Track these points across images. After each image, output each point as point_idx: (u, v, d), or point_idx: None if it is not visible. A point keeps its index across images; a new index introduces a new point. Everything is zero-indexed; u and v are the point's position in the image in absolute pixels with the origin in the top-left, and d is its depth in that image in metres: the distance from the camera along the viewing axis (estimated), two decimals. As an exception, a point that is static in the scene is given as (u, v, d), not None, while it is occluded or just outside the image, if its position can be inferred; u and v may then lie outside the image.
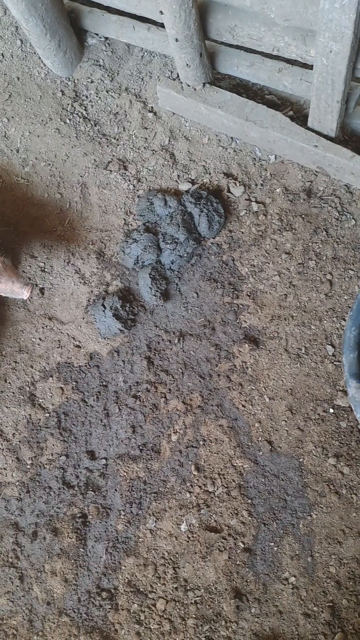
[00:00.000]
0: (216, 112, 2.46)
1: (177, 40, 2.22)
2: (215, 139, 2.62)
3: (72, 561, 2.36)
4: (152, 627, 2.25)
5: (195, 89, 2.49)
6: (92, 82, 2.79)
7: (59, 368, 2.57)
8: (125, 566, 2.33)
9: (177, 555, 2.30)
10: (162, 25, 2.46)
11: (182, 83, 2.52)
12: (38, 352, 2.60)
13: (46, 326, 2.62)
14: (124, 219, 2.62)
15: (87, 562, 2.36)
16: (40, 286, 2.66)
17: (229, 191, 2.57)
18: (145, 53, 2.75)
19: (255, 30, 2.20)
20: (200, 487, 2.34)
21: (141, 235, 2.50)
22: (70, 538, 2.38)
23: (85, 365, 2.56)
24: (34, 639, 2.31)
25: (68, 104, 2.77)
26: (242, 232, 2.52)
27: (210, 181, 2.60)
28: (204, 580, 2.26)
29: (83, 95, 2.78)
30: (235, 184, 2.56)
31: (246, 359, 2.40)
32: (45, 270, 2.67)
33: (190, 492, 2.34)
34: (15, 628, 2.34)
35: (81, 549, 2.37)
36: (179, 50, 2.29)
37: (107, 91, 2.76)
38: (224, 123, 2.50)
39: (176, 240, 2.47)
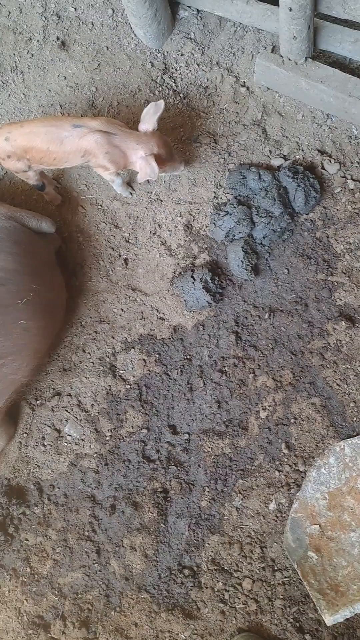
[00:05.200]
0: (317, 87, 2.46)
1: (290, 9, 2.22)
2: (309, 116, 2.61)
3: (153, 536, 2.33)
4: (237, 606, 2.21)
5: (296, 63, 2.49)
6: (182, 55, 2.79)
7: (141, 340, 2.55)
8: (209, 544, 2.29)
9: (264, 535, 2.27)
10: (261, -1, 2.48)
11: (282, 57, 2.52)
12: (120, 323, 2.58)
13: (129, 297, 2.59)
14: (214, 192, 2.61)
15: (168, 538, 2.32)
16: (124, 257, 2.63)
17: (322, 168, 2.57)
18: (238, 28, 2.75)
19: (369, 5, 2.19)
20: (290, 465, 2.30)
21: (234, 208, 2.48)
22: (151, 513, 2.34)
23: (169, 338, 2.53)
24: (112, 614, 2.27)
25: (157, 76, 2.77)
26: (337, 210, 2.51)
27: (303, 157, 2.59)
28: (292, 561, 2.22)
29: (172, 68, 2.78)
30: (330, 161, 2.56)
31: (341, 337, 2.38)
32: (130, 241, 2.65)
33: (279, 471, 2.31)
34: (90, 603, 2.30)
35: (162, 525, 2.34)
36: (290, 21, 2.29)
37: (198, 64, 2.76)
38: (323, 99, 2.50)
39: (271, 214, 2.45)
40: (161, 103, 2.26)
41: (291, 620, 2.17)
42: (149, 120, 2.28)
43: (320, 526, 2.20)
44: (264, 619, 2.18)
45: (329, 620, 2.05)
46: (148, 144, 2.25)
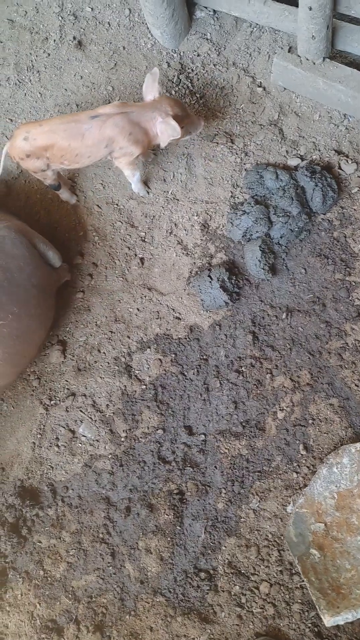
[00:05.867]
0: (335, 87, 2.45)
1: (310, 8, 2.22)
2: (326, 116, 2.61)
3: (168, 539, 2.29)
4: (254, 610, 2.17)
5: (314, 63, 2.49)
6: (198, 55, 2.79)
7: (157, 339, 2.53)
8: (225, 546, 2.26)
9: (281, 538, 2.24)
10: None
11: (300, 57, 2.51)
12: (135, 323, 2.56)
13: (145, 297, 2.58)
14: (231, 192, 2.60)
15: (184, 540, 2.29)
16: (140, 256, 2.62)
17: (339, 168, 2.56)
18: (255, 28, 2.75)
19: (388, 4, 2.19)
20: (308, 467, 2.28)
21: (252, 207, 2.47)
22: (166, 515, 2.31)
23: (185, 338, 2.51)
24: (126, 618, 2.23)
25: (174, 76, 2.77)
26: (355, 210, 2.50)
27: (320, 158, 2.58)
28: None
29: (189, 68, 2.78)
30: (347, 161, 2.55)
31: (359, 338, 2.35)
32: (146, 240, 2.64)
33: (297, 473, 2.28)
34: (105, 606, 2.27)
35: (177, 527, 2.31)
36: (309, 20, 2.29)
37: (214, 65, 2.76)
38: (340, 99, 2.49)
39: (288, 213, 2.44)
40: (156, 70, 2.31)
41: (309, 625, 2.13)
42: (151, 89, 2.33)
43: (325, 525, 2.16)
44: (281, 624, 2.15)
45: (328, 620, 1.99)
46: (161, 107, 2.29)
